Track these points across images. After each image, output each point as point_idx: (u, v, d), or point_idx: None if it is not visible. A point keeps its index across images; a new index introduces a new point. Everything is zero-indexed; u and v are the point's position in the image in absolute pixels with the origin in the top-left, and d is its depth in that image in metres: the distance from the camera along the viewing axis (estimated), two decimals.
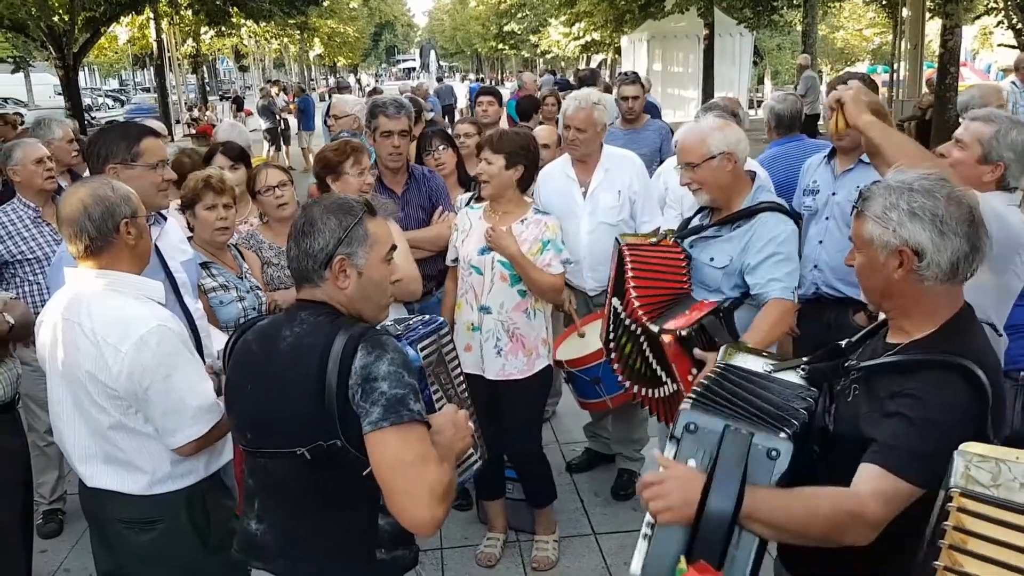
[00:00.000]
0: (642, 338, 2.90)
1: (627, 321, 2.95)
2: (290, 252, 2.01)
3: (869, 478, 1.71)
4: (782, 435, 1.73)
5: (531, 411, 3.77)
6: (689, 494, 1.70)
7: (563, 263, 3.58)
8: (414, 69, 72.52)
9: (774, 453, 1.71)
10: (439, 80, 37.24)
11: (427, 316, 2.44)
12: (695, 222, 3.30)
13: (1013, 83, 8.18)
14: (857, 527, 1.68)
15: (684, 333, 2.69)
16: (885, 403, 1.76)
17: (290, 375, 1.90)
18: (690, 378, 2.72)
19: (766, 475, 1.72)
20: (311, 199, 2.12)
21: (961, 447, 1.56)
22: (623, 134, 6.18)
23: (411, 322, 2.33)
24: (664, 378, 2.87)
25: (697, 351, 2.70)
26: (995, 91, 4.81)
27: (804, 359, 2.06)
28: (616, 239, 3.28)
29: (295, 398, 1.88)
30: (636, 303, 2.88)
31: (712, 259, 3.13)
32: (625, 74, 9.50)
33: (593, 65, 33.08)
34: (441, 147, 4.65)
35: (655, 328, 2.77)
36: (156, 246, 2.72)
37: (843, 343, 2.02)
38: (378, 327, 2.10)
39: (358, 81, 50.53)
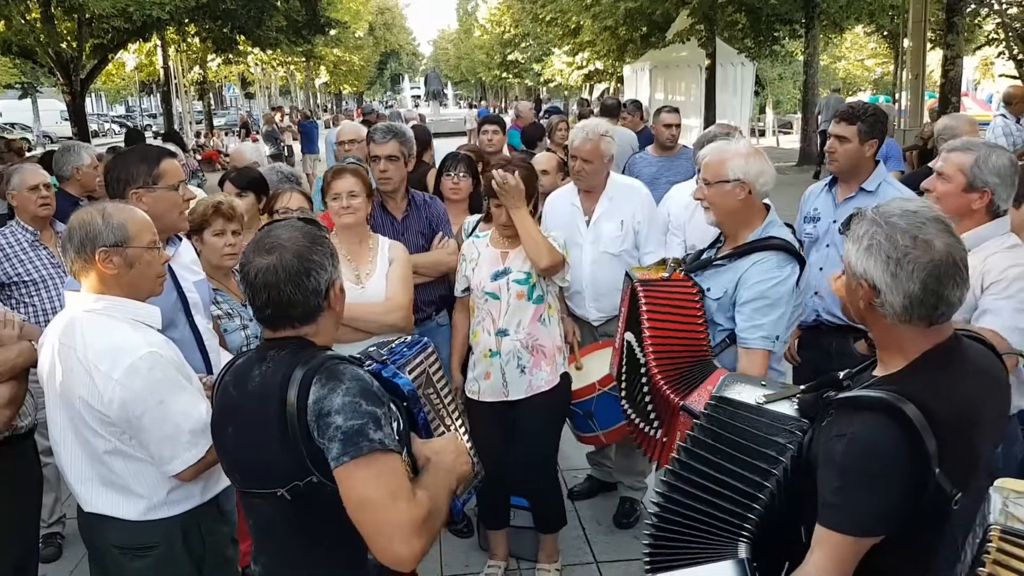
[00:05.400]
0: (645, 380, 2.89)
1: (642, 368, 2.91)
2: (286, 298, 1.88)
3: (816, 541, 1.72)
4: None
5: (550, 427, 3.75)
6: None
7: (566, 257, 3.61)
8: (419, 97, 72.92)
9: None
10: (387, 106, 34.38)
11: (409, 337, 2.40)
12: (706, 255, 3.23)
13: (1003, 116, 8.24)
14: None
15: (699, 412, 2.70)
16: (831, 443, 1.73)
17: (259, 417, 1.86)
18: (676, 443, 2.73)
19: None
20: (263, 238, 1.96)
21: (997, 483, 1.56)
22: (657, 160, 6.23)
23: (394, 345, 2.28)
24: (654, 420, 2.87)
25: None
26: (968, 121, 4.93)
27: (801, 387, 2.03)
28: (627, 273, 3.22)
29: (265, 440, 1.84)
30: (655, 366, 2.84)
31: (709, 289, 3.06)
32: (630, 102, 9.55)
33: (596, 94, 33.29)
34: (463, 173, 4.64)
35: (677, 399, 2.75)
36: (169, 266, 2.72)
37: (842, 374, 1.99)
38: (360, 352, 2.08)
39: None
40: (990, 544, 1.50)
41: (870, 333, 1.87)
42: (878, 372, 1.84)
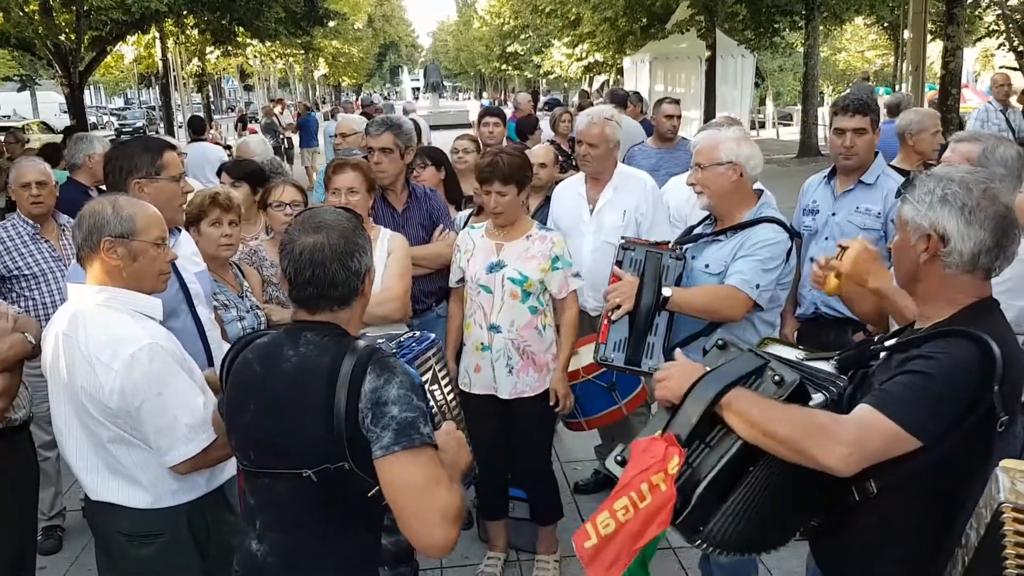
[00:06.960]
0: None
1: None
2: (331, 276, 1.91)
3: (855, 412, 1.79)
4: (795, 375, 1.84)
5: (544, 427, 3.77)
6: (684, 380, 1.93)
7: (575, 276, 3.64)
8: (419, 89, 72.70)
9: (777, 379, 1.85)
10: (385, 98, 33.85)
11: (418, 333, 2.42)
12: (698, 230, 3.37)
13: (989, 103, 8.25)
14: (824, 439, 1.74)
15: (625, 244, 3.19)
16: (899, 367, 1.82)
17: (296, 397, 1.88)
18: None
19: (768, 394, 1.86)
20: (308, 219, 2.01)
21: (1001, 464, 1.62)
22: (655, 152, 6.19)
23: (403, 339, 2.30)
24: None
25: (615, 267, 3.15)
26: (931, 115, 4.93)
27: (837, 352, 2.14)
28: (620, 240, 3.39)
29: (302, 420, 1.87)
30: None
31: (707, 266, 3.20)
32: (633, 93, 9.53)
33: (595, 86, 33.23)
34: (419, 164, 4.68)
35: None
36: None
37: (877, 337, 2.10)
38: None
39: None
40: (1004, 517, 1.55)
41: (915, 288, 1.94)
42: (921, 326, 1.93)
